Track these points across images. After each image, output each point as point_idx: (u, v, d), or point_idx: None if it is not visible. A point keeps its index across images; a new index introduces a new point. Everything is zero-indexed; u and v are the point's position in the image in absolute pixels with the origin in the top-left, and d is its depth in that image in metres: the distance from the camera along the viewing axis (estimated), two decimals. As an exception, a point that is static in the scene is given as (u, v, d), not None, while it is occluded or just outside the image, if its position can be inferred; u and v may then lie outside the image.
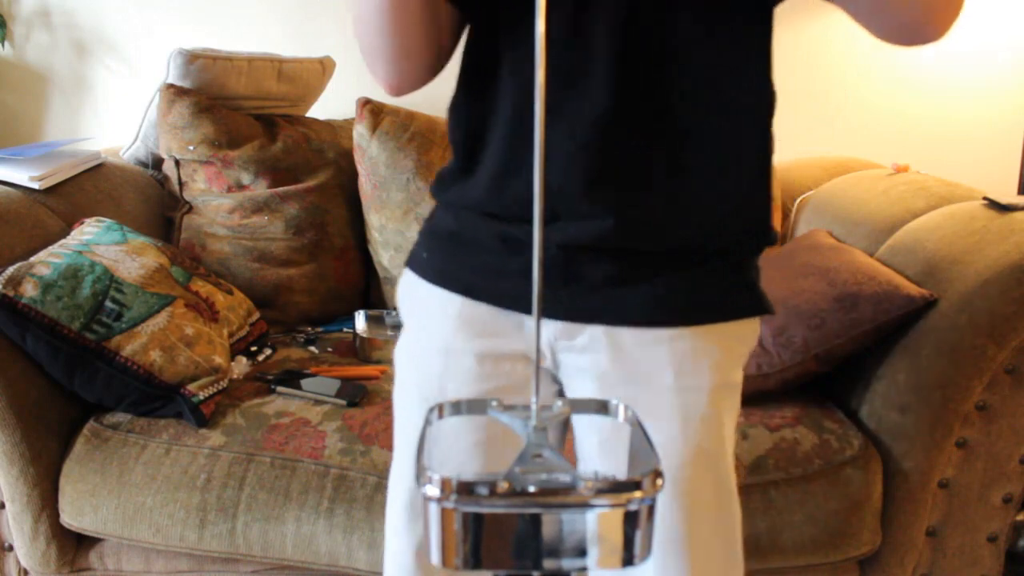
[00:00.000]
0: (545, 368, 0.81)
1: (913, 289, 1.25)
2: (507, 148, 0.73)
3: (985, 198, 1.35)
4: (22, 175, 1.46)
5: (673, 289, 0.74)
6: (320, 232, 1.77)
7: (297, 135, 1.80)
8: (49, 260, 1.29)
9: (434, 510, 0.41)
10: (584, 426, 0.80)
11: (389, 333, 1.61)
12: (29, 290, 1.23)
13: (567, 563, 0.42)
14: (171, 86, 1.67)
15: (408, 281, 0.85)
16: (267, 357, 1.55)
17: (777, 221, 1.80)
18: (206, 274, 1.54)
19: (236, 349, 1.50)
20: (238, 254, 1.71)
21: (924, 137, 2.12)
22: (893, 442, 1.24)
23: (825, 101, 2.09)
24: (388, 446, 1.25)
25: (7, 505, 1.27)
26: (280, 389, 1.37)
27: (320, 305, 1.78)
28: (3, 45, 2.08)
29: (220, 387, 1.34)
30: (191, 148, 1.68)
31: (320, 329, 1.73)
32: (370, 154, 1.74)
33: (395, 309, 1.71)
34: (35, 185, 1.46)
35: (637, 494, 0.40)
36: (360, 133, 1.75)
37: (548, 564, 0.42)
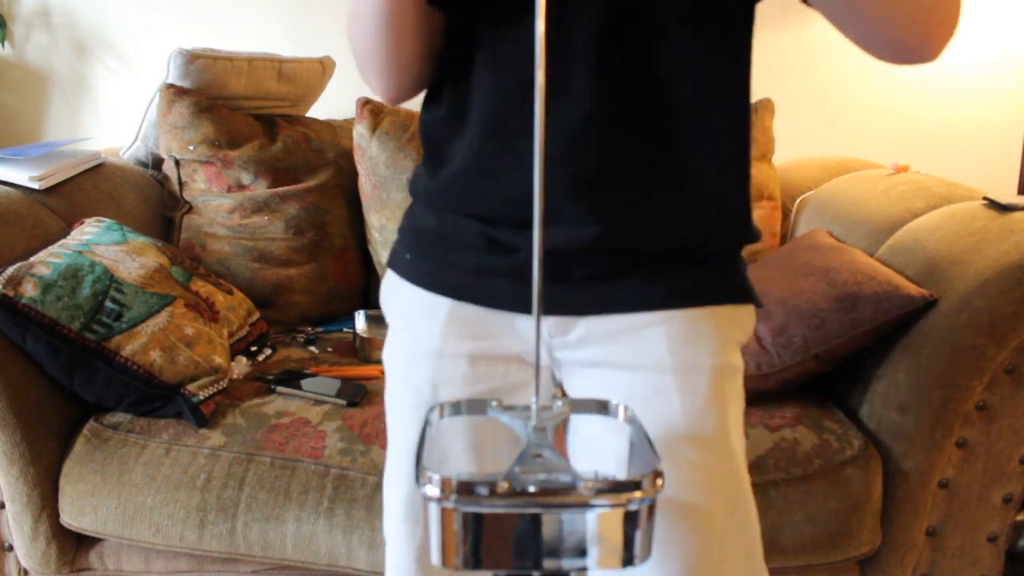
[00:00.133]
0: (544, 367, 0.81)
1: (913, 289, 1.25)
2: (483, 151, 0.73)
3: (985, 198, 1.35)
4: (22, 175, 1.46)
5: (665, 279, 0.74)
6: (320, 232, 1.77)
7: (297, 135, 1.80)
8: (49, 260, 1.29)
9: (434, 510, 0.41)
10: (577, 434, 0.80)
11: (389, 333, 1.61)
12: (29, 290, 1.23)
13: (567, 563, 0.42)
14: (171, 86, 1.67)
15: (392, 282, 0.85)
16: (267, 357, 1.55)
17: (777, 221, 1.80)
18: (206, 274, 1.54)
19: (236, 349, 1.50)
20: (238, 254, 1.71)
21: (924, 137, 2.12)
22: (893, 442, 1.24)
23: (825, 101, 2.09)
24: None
25: (7, 505, 1.27)
26: (280, 389, 1.37)
27: (320, 305, 1.78)
28: (3, 45, 2.08)
29: (220, 387, 1.34)
30: (191, 148, 1.68)
31: (320, 329, 1.73)
32: (370, 154, 1.74)
33: (395, 309, 1.71)
34: (35, 185, 1.46)
35: (637, 494, 0.40)
36: (360, 133, 1.75)
37: (548, 564, 0.42)
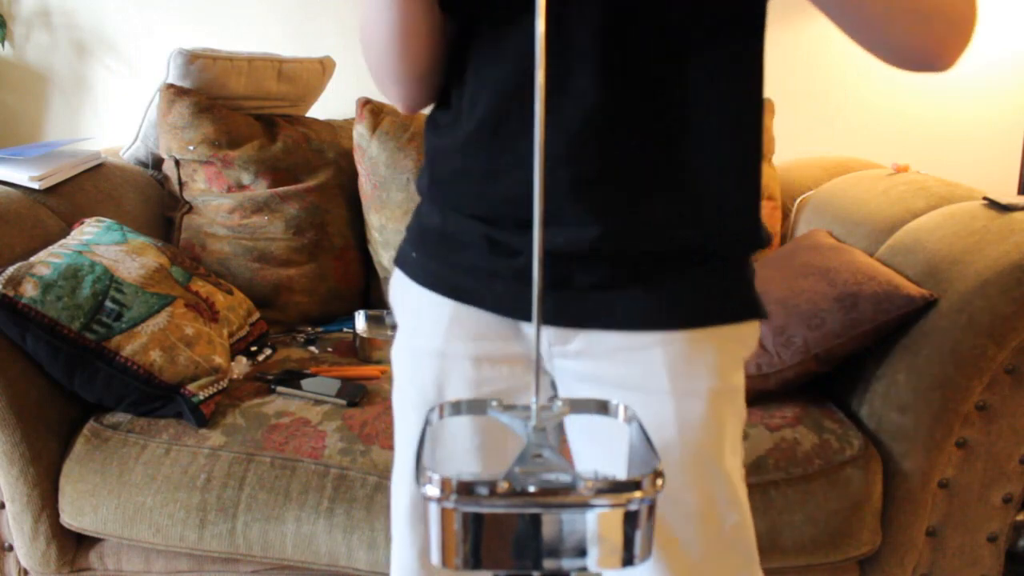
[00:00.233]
0: (545, 372, 0.81)
1: (913, 289, 1.25)
2: (483, 151, 0.72)
3: (985, 198, 1.35)
4: (22, 175, 1.46)
5: (666, 292, 0.72)
6: (320, 232, 1.77)
7: (297, 135, 1.80)
8: (49, 260, 1.29)
9: (434, 510, 0.41)
10: (576, 427, 0.79)
11: (389, 333, 1.61)
12: (29, 290, 1.23)
13: (567, 563, 0.42)
14: (171, 86, 1.67)
15: (398, 281, 0.84)
16: (267, 357, 1.55)
17: (777, 221, 1.80)
18: (206, 274, 1.54)
19: (236, 349, 1.50)
20: (238, 254, 1.71)
21: (924, 137, 2.12)
22: (893, 442, 1.24)
23: (825, 101, 2.09)
24: (388, 446, 1.25)
25: (7, 505, 1.27)
26: (280, 389, 1.37)
27: (320, 305, 1.78)
28: (3, 45, 2.08)
29: (220, 387, 1.34)
30: (191, 148, 1.68)
31: (320, 329, 1.73)
32: (370, 154, 1.74)
33: (395, 309, 1.71)
34: (35, 185, 1.46)
35: (637, 494, 0.40)
36: (360, 133, 1.75)
37: (548, 564, 0.42)
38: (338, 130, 1.90)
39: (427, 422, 0.50)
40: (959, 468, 1.23)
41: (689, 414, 0.72)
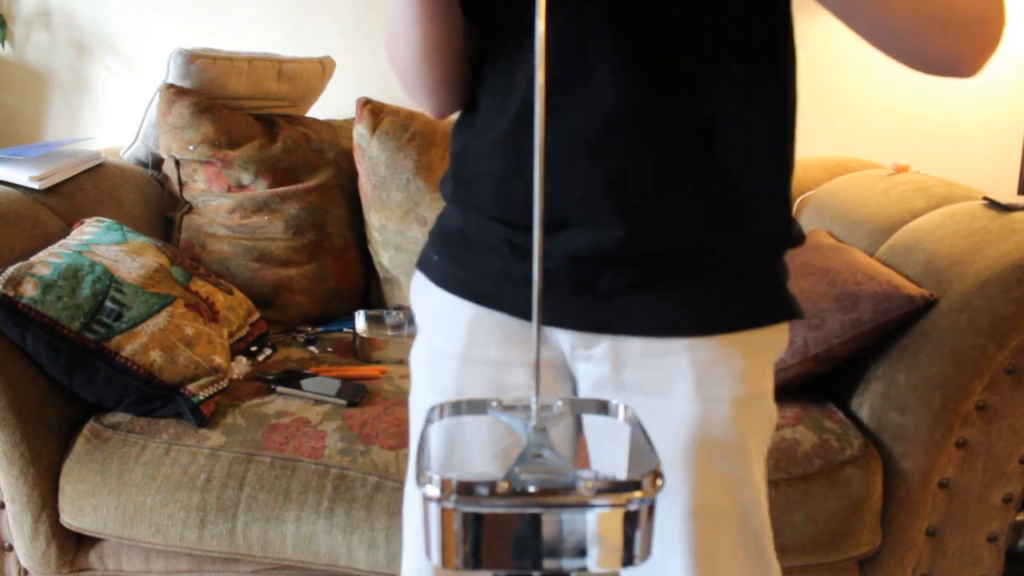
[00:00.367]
0: (566, 377, 0.79)
1: (913, 289, 1.25)
2: (504, 153, 0.71)
3: (985, 198, 1.35)
4: (22, 175, 1.46)
5: (692, 297, 0.71)
6: (320, 232, 1.77)
7: (297, 135, 1.80)
8: (49, 260, 1.29)
9: (434, 510, 0.41)
10: (597, 433, 0.79)
11: (389, 333, 1.61)
12: (29, 290, 1.23)
13: (567, 563, 0.42)
14: (171, 86, 1.67)
15: (419, 283, 0.84)
16: (267, 357, 1.55)
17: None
18: (206, 274, 1.54)
19: (236, 349, 1.50)
20: (238, 254, 1.71)
21: (924, 137, 2.12)
22: (893, 442, 1.24)
23: (825, 101, 2.09)
24: (388, 446, 1.25)
25: (7, 505, 1.27)
26: (280, 389, 1.37)
27: (320, 305, 1.78)
28: (3, 45, 2.08)
29: (220, 387, 1.34)
30: (191, 148, 1.68)
31: (320, 329, 1.73)
32: (370, 154, 1.74)
33: (395, 309, 1.71)
34: (35, 185, 1.46)
35: (637, 494, 0.40)
36: (360, 133, 1.75)
37: (548, 564, 0.42)
38: (338, 130, 1.90)
39: (427, 420, 0.50)
40: (959, 468, 1.23)
41: (713, 421, 0.70)
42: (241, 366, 1.47)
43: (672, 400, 0.71)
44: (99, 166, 1.68)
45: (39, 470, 1.25)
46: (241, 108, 1.76)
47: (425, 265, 0.83)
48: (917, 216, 1.43)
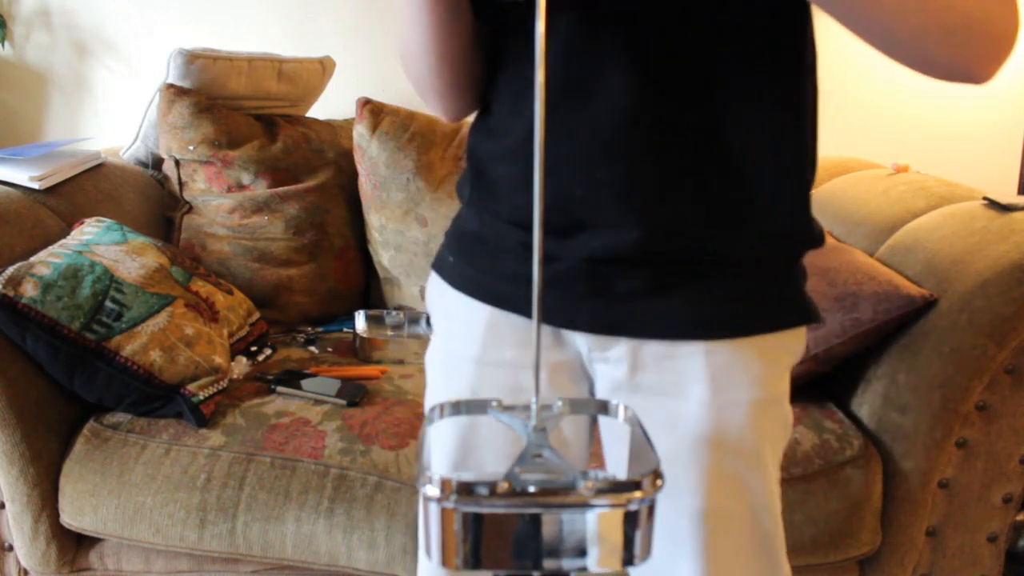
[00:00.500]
0: (583, 380, 0.79)
1: (913, 289, 1.25)
2: (519, 156, 0.71)
3: (985, 198, 1.35)
4: (22, 175, 1.46)
5: (710, 299, 0.70)
6: (320, 232, 1.77)
7: (297, 135, 1.80)
8: (49, 260, 1.29)
9: (434, 510, 0.41)
10: (611, 434, 0.78)
11: (389, 333, 1.61)
12: (29, 290, 1.23)
13: (567, 563, 0.42)
14: (171, 86, 1.67)
15: (435, 285, 0.83)
16: (267, 357, 1.55)
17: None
18: (206, 274, 1.54)
19: (236, 349, 1.50)
20: (238, 254, 1.71)
21: (924, 137, 2.12)
22: (893, 442, 1.24)
23: (825, 101, 2.07)
24: (388, 446, 1.25)
25: (7, 505, 1.27)
26: (280, 389, 1.37)
27: (320, 305, 1.78)
28: (3, 45, 2.08)
29: (220, 387, 1.34)
30: (191, 148, 1.68)
31: (320, 329, 1.73)
32: (370, 154, 1.74)
33: (395, 309, 1.71)
34: (35, 185, 1.46)
35: (637, 494, 0.40)
36: (360, 133, 1.75)
37: (548, 564, 0.42)
38: (338, 130, 1.90)
39: (428, 420, 0.50)
40: (959, 468, 1.23)
41: (729, 425, 0.70)
42: (241, 366, 1.47)
43: (687, 403, 0.71)
44: (99, 166, 1.68)
45: (39, 470, 1.25)
46: (241, 108, 1.76)
47: (441, 267, 0.83)
48: (917, 216, 1.43)
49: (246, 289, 1.66)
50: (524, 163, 0.70)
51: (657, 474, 0.41)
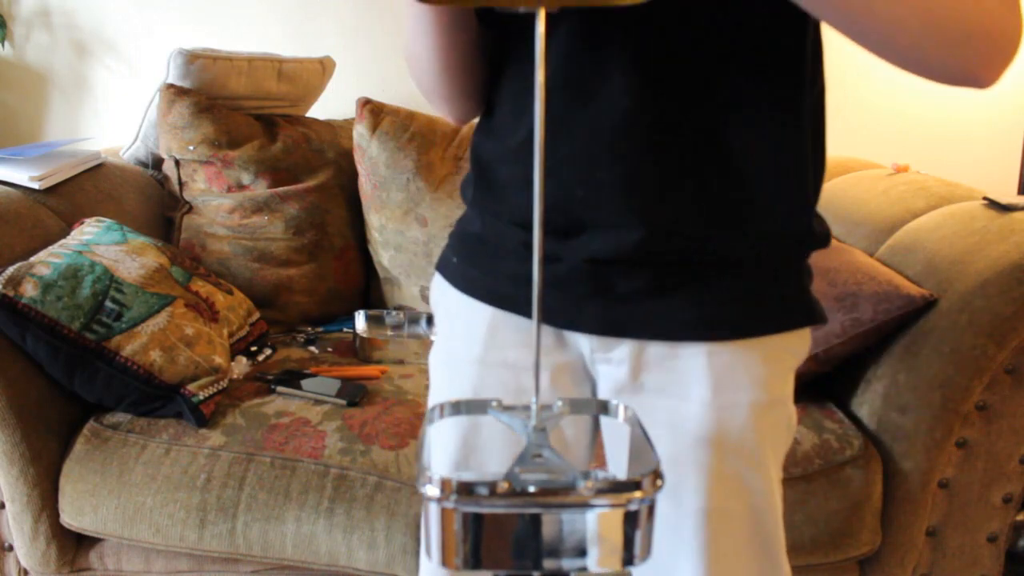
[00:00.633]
0: (586, 380, 0.79)
1: (913, 289, 1.25)
2: (521, 157, 0.71)
3: (985, 198, 1.35)
4: (22, 175, 1.46)
5: (711, 300, 0.70)
6: (320, 232, 1.77)
7: (297, 135, 1.80)
8: (49, 260, 1.29)
9: (434, 510, 0.41)
10: (613, 435, 0.78)
11: (389, 333, 1.61)
12: (29, 290, 1.23)
13: (567, 563, 0.42)
14: (171, 86, 1.67)
15: (438, 286, 0.83)
16: (267, 357, 1.55)
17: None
18: (206, 274, 1.54)
19: (236, 349, 1.50)
20: (238, 254, 1.71)
21: (924, 137, 2.12)
22: (893, 442, 1.24)
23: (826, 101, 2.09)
24: (388, 446, 1.25)
25: (7, 505, 1.27)
26: (280, 389, 1.37)
27: (320, 305, 1.78)
28: (3, 45, 2.08)
29: (220, 387, 1.34)
30: (191, 148, 1.68)
31: (320, 329, 1.73)
32: (370, 154, 1.74)
33: (395, 309, 1.71)
34: (35, 185, 1.46)
35: (637, 494, 0.40)
36: (360, 133, 1.75)
37: (548, 564, 0.42)
38: (338, 130, 1.90)
39: (428, 420, 0.50)
40: (959, 468, 1.23)
41: (731, 426, 0.70)
42: (241, 366, 1.47)
43: (689, 403, 0.71)
44: (99, 166, 1.68)
45: (39, 470, 1.25)
46: (241, 108, 1.76)
47: (444, 267, 0.83)
48: (917, 216, 1.43)
49: (246, 289, 1.66)
50: (525, 164, 0.70)
51: (657, 474, 0.41)
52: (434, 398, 0.83)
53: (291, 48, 1.96)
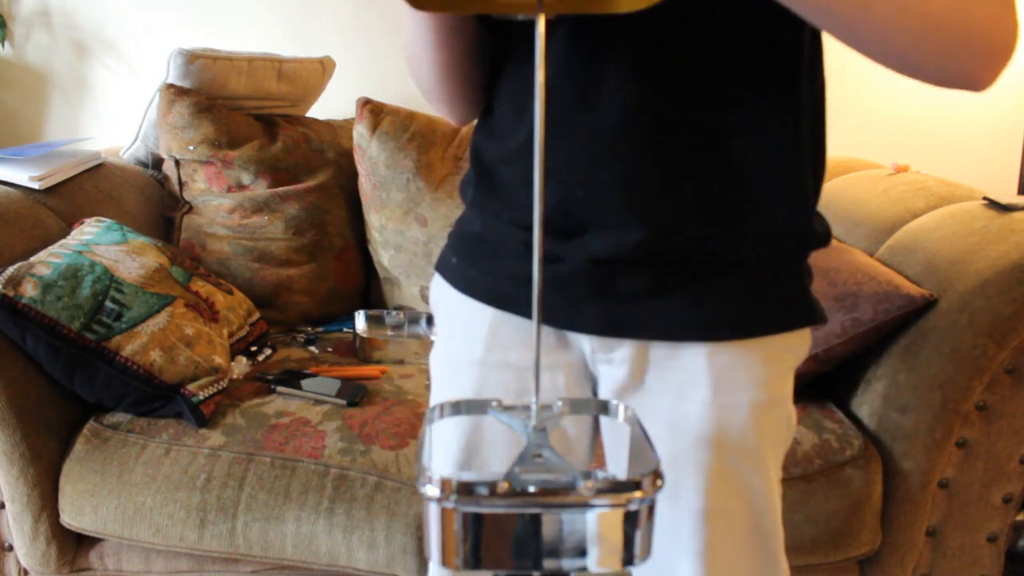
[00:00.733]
0: (587, 380, 0.79)
1: (913, 289, 1.25)
2: (521, 158, 0.71)
3: (985, 198, 1.35)
4: (22, 175, 1.46)
5: (711, 300, 0.70)
6: (320, 232, 1.77)
7: (297, 135, 1.80)
8: (49, 260, 1.29)
9: (434, 510, 0.41)
10: (613, 435, 0.78)
11: (389, 333, 1.61)
12: (29, 290, 1.23)
13: (567, 563, 0.42)
14: (171, 86, 1.67)
15: (438, 287, 0.83)
16: (267, 357, 1.55)
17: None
18: (206, 274, 1.54)
19: (236, 349, 1.50)
20: (238, 254, 1.71)
21: (924, 137, 2.12)
22: (893, 442, 1.24)
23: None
24: (388, 446, 1.25)
25: (7, 505, 1.27)
26: (280, 389, 1.37)
27: (320, 305, 1.78)
28: (3, 45, 2.08)
29: (220, 387, 1.34)
30: (191, 148, 1.68)
31: (320, 329, 1.73)
32: (370, 154, 1.74)
33: (395, 309, 1.71)
34: (35, 185, 1.46)
35: (637, 494, 0.40)
36: (360, 133, 1.75)
37: (548, 564, 0.42)
38: (338, 130, 1.90)
39: (427, 420, 0.50)
40: (959, 468, 1.23)
41: (731, 426, 0.70)
42: (241, 366, 1.47)
43: (689, 403, 0.71)
44: (99, 166, 1.68)
45: (39, 470, 1.25)
46: (241, 108, 1.76)
47: (443, 268, 0.83)
48: (917, 216, 1.43)
49: (246, 289, 1.66)
50: (526, 164, 0.70)
51: (657, 474, 0.41)
52: (435, 399, 0.83)
53: (291, 48, 1.96)
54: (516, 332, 0.76)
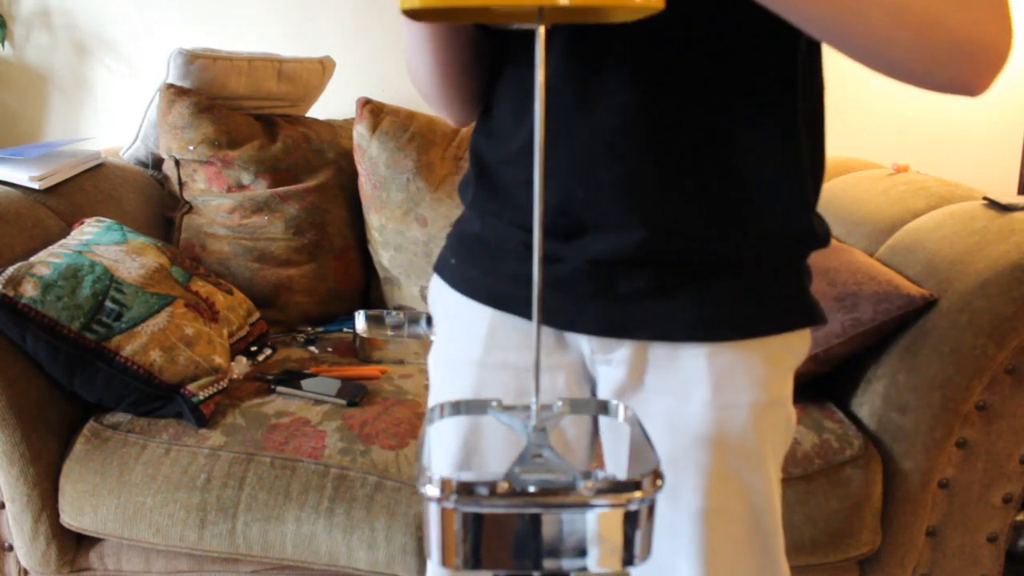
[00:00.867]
0: (587, 381, 0.79)
1: (913, 289, 1.25)
2: (521, 159, 0.71)
3: (985, 198, 1.35)
4: (22, 175, 1.46)
5: (711, 300, 0.70)
6: (320, 232, 1.77)
7: (297, 135, 1.80)
8: (49, 260, 1.29)
9: (434, 510, 0.41)
10: (612, 436, 0.78)
11: (389, 333, 1.61)
12: (29, 290, 1.23)
13: (567, 563, 0.42)
14: (171, 86, 1.67)
15: (437, 288, 0.83)
16: (267, 357, 1.55)
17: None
18: (206, 274, 1.54)
19: (236, 349, 1.50)
20: (238, 254, 1.71)
21: (924, 137, 2.12)
22: (893, 442, 1.24)
23: (826, 101, 2.09)
24: (388, 446, 1.25)
25: (7, 505, 1.27)
26: (280, 389, 1.37)
27: (320, 305, 1.78)
28: (3, 45, 2.08)
29: (220, 387, 1.34)
30: (191, 148, 1.68)
31: (320, 329, 1.73)
32: (370, 154, 1.74)
33: (395, 309, 1.71)
34: (35, 185, 1.46)
35: (637, 494, 0.40)
36: (360, 133, 1.75)
37: (548, 564, 0.42)
38: (338, 130, 1.90)
39: (427, 420, 0.50)
40: (959, 468, 1.23)
41: (731, 426, 0.70)
42: (241, 366, 1.47)
43: (689, 404, 0.71)
44: (99, 166, 1.68)
45: (39, 470, 1.25)
46: (241, 108, 1.76)
47: (442, 269, 0.83)
48: (917, 216, 1.43)
49: (246, 289, 1.66)
50: (526, 165, 0.70)
51: (657, 474, 0.41)
52: (434, 400, 0.83)
53: (291, 48, 1.96)
54: (515, 333, 0.76)
